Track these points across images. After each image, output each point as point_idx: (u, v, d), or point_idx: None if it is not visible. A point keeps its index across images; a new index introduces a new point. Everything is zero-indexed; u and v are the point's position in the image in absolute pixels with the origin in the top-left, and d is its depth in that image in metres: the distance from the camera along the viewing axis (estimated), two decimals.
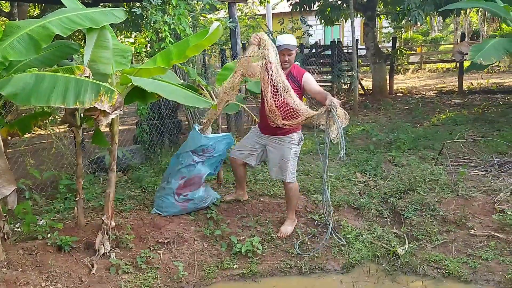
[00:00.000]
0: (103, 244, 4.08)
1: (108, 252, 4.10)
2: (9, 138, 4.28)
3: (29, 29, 3.44)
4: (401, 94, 13.76)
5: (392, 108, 11.34)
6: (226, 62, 7.40)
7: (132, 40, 13.40)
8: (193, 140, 4.78)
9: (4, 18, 10.64)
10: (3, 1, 10.58)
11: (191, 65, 6.80)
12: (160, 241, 4.48)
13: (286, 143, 4.56)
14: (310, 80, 4.44)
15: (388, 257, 4.27)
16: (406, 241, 4.45)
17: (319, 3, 12.75)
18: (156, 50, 6.10)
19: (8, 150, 4.57)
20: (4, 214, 3.86)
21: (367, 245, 4.46)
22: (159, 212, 4.84)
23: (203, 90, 5.21)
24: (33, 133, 8.07)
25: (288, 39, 4.42)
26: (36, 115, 4.39)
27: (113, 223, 4.23)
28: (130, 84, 3.80)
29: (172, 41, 5.96)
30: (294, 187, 4.72)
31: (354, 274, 4.19)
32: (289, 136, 4.56)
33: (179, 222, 4.76)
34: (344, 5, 12.63)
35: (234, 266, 4.24)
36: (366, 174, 6.13)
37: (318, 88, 4.42)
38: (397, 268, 4.14)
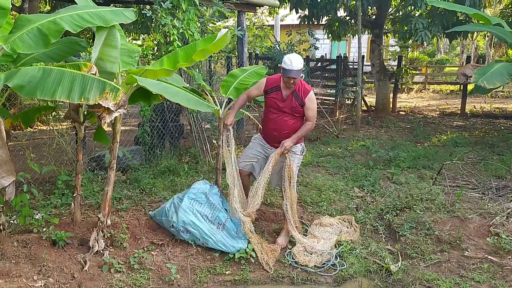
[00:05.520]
0: (97, 242, 4.09)
1: (102, 250, 4.11)
2: (12, 130, 4.31)
3: (40, 23, 3.48)
4: (403, 113, 13.81)
5: (394, 126, 11.38)
6: (232, 70, 7.45)
7: (140, 42, 13.49)
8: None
9: (15, 13, 10.72)
10: None
11: (197, 70, 6.84)
12: (154, 242, 4.49)
13: (290, 152, 4.59)
14: (309, 103, 4.53)
15: (381, 273, 4.26)
16: (400, 258, 4.45)
17: (327, 17, 12.84)
18: (164, 52, 6.15)
19: (9, 143, 4.59)
20: (1, 205, 3.87)
21: (360, 259, 4.46)
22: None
23: (207, 95, 5.24)
24: (35, 128, 8.14)
25: (295, 65, 4.34)
26: (40, 109, 4.44)
27: (108, 222, 4.24)
28: (135, 84, 3.83)
29: (180, 44, 6.01)
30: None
31: None
32: (294, 146, 4.62)
33: None
34: (353, 21, 12.73)
35: (227, 272, 4.25)
36: (364, 189, 6.14)
37: (308, 114, 4.55)
38: (389, 284, 4.13)
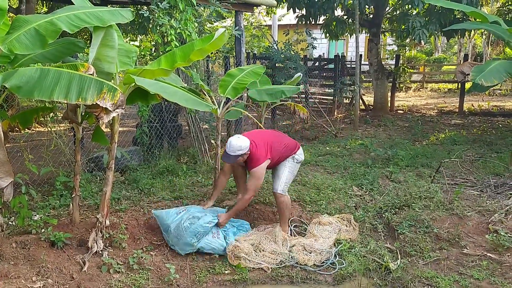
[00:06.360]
0: (96, 242, 4.09)
1: (101, 250, 4.11)
2: (10, 131, 4.30)
3: (37, 24, 3.47)
4: (401, 112, 13.84)
5: (392, 124, 11.40)
6: (230, 69, 7.44)
7: (137, 43, 13.49)
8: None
9: (12, 14, 10.71)
10: None
11: (195, 70, 6.84)
12: (153, 242, 4.49)
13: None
14: (251, 176, 4.61)
15: (380, 272, 4.26)
16: (399, 256, 4.45)
17: (325, 17, 12.85)
18: (161, 53, 6.15)
19: (7, 145, 4.58)
20: (0, 207, 3.86)
21: (359, 258, 4.46)
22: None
23: (205, 95, 5.24)
24: (33, 129, 8.12)
25: (231, 150, 4.43)
26: (37, 110, 4.41)
27: (107, 222, 4.24)
28: (133, 84, 3.82)
29: (178, 45, 6.01)
30: (285, 200, 4.77)
31: (345, 286, 4.19)
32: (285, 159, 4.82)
33: None
34: (350, 20, 12.74)
35: (226, 272, 4.24)
36: (363, 188, 6.14)
37: (248, 184, 4.62)
38: (388, 282, 4.13)
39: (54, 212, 4.85)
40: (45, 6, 13.49)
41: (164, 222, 4.55)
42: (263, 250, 4.47)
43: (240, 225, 4.79)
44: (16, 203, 4.10)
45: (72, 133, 5.99)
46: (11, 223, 4.37)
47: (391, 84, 14.15)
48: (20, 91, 3.22)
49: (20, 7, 10.61)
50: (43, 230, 4.22)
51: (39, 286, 3.61)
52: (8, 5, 3.48)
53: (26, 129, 4.54)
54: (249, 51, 14.43)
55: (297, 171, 5.01)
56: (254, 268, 4.30)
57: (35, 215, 4.56)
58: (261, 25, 19.29)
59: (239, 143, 4.45)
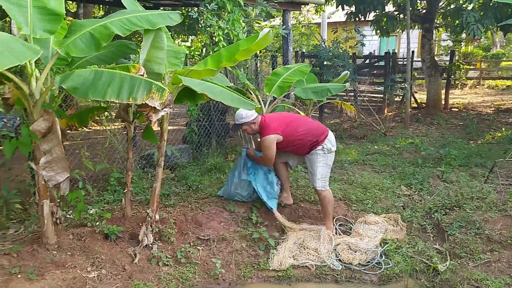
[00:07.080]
0: (146, 236, 4.26)
1: (151, 244, 4.28)
2: (68, 130, 4.55)
3: (91, 28, 3.66)
4: (456, 109, 13.37)
5: (446, 123, 11.05)
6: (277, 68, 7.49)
7: (188, 43, 13.81)
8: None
9: (70, 18, 11.26)
10: (70, 2, 11.23)
11: (242, 69, 6.94)
12: (200, 237, 4.62)
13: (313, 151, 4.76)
14: (262, 147, 4.78)
15: (428, 273, 4.19)
16: (448, 257, 4.35)
17: (375, 13, 12.62)
18: (210, 53, 6.29)
19: (66, 142, 4.84)
20: (58, 201, 4.11)
21: (406, 258, 4.39)
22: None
23: (251, 94, 5.32)
24: (89, 128, 8.52)
25: (235, 119, 4.80)
26: (93, 110, 4.65)
27: (157, 217, 4.40)
28: (181, 84, 3.95)
29: (225, 45, 6.12)
30: (326, 195, 4.77)
31: (391, 287, 4.14)
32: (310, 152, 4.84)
33: (220, 221, 4.88)
34: (401, 16, 12.45)
35: (270, 268, 4.30)
36: (412, 187, 6.02)
37: (263, 152, 4.80)
38: (436, 284, 4.05)
39: (108, 206, 5.09)
40: (101, 9, 14.06)
41: (231, 194, 5.20)
42: (307, 248, 4.50)
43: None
44: (73, 198, 4.33)
45: (126, 132, 6.24)
46: (68, 216, 4.64)
47: (445, 81, 13.70)
48: (76, 92, 3.41)
49: (78, 11, 11.12)
50: (97, 223, 4.45)
51: (94, 276, 3.80)
52: (67, 9, 3.69)
53: (83, 128, 4.79)
54: (298, 49, 14.43)
55: (332, 162, 4.85)
56: (298, 265, 4.35)
57: (91, 209, 4.80)
58: (310, 23, 19.21)
59: (242, 112, 4.74)
